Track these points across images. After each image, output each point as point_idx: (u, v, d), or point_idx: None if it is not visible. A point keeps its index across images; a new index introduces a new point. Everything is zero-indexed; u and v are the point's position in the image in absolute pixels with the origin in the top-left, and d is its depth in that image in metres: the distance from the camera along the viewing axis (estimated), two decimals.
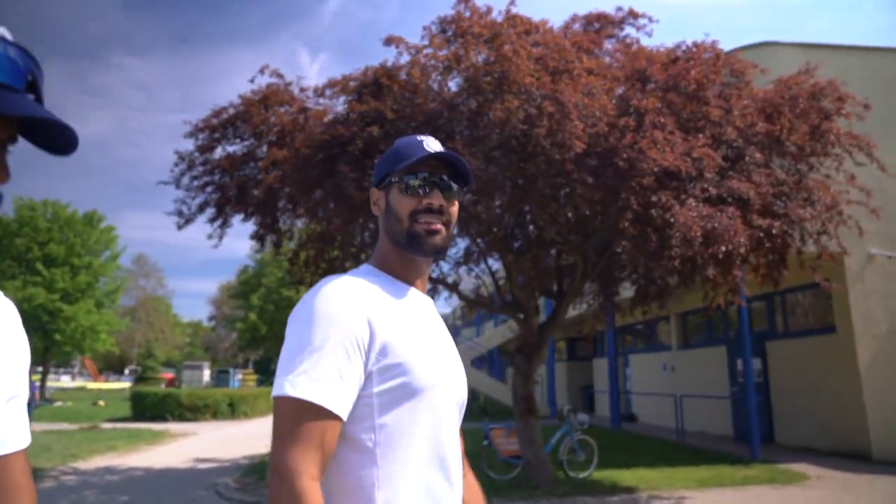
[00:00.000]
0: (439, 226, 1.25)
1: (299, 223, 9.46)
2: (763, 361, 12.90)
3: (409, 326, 1.18)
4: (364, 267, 1.29)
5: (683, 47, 7.61)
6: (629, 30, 8.94)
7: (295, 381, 1.05)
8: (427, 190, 1.25)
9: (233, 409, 20.15)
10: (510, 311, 9.18)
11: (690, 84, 6.77)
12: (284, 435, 1.04)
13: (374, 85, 6.95)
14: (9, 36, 0.70)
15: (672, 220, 5.91)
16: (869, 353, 10.57)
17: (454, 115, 6.43)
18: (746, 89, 7.52)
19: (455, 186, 1.28)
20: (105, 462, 10.99)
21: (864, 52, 11.96)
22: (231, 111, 8.52)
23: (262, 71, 8.49)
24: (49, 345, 26.30)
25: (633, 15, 8.87)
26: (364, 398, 1.11)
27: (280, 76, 8.67)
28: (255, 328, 34.79)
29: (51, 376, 50.56)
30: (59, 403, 26.60)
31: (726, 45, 8.83)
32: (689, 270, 6.79)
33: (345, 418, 1.08)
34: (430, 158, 1.26)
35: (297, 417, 1.04)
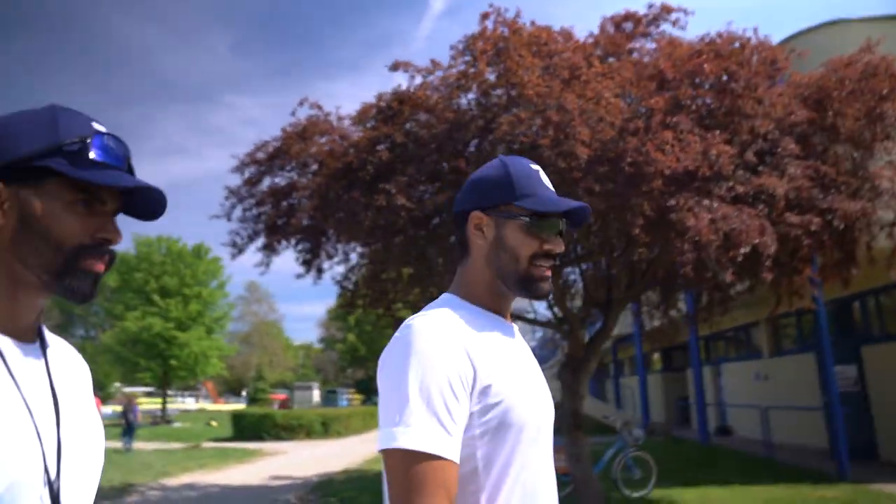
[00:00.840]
0: (550, 272, 1.22)
1: (353, 253, 9.73)
2: (859, 368, 11.74)
3: (505, 362, 1.14)
4: (448, 297, 1.23)
5: (708, 39, 7.23)
6: (666, 26, 8.66)
7: (405, 432, 1.00)
8: (552, 235, 1.20)
9: (326, 429, 20.96)
10: (556, 325, 8.99)
11: (708, 77, 6.43)
12: (408, 490, 0.98)
13: (387, 110, 7.14)
14: (105, 130, 0.91)
15: (686, 223, 5.61)
16: None
17: (460, 134, 6.48)
18: (781, 76, 7.01)
19: (566, 230, 1.25)
20: (191, 479, 11.80)
21: None
22: (273, 145, 9.03)
23: (301, 103, 8.95)
24: (167, 370, 28.59)
25: (665, 10, 8.56)
26: (465, 440, 1.07)
27: (319, 108, 9.09)
28: (355, 348, 36.02)
29: (178, 399, 54.94)
30: (178, 424, 28.83)
31: (791, 28, 8.26)
32: (711, 276, 6.37)
33: (457, 462, 1.03)
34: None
35: (416, 469, 0.98)
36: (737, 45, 7.04)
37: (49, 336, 0.97)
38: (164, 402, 30.87)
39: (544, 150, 6.07)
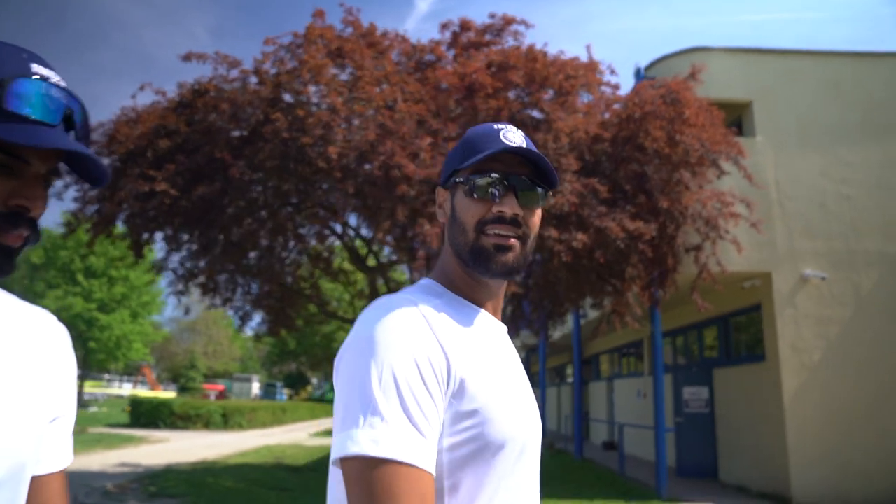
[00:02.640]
0: (512, 240, 0.99)
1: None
2: (710, 390, 11.95)
3: (485, 363, 0.94)
4: (425, 282, 1.06)
5: (502, 54, 7.32)
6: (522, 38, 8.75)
7: (370, 436, 0.80)
8: (500, 193, 0.99)
9: (225, 421, 20.73)
10: None
11: (485, 89, 6.50)
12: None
13: (181, 100, 7.11)
14: (54, 78, 0.75)
15: (423, 230, 5.66)
16: (796, 383, 9.57)
17: (233, 126, 6.47)
18: (574, 97, 7.12)
19: (538, 189, 1.01)
20: None
21: (810, 56, 11.01)
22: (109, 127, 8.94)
23: (142, 88, 8.86)
24: (85, 353, 28.09)
25: (507, 21, 8.66)
26: None
27: (163, 93, 9.02)
28: (284, 342, 35.78)
29: (114, 384, 54.06)
30: (94, 409, 28.34)
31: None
32: None
33: (433, 471, 0.83)
34: (506, 154, 0.99)
35: (385, 483, 0.79)
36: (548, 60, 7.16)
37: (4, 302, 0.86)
38: (81, 386, 30.28)
39: (308, 150, 6.10)
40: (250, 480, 10.26)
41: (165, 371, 60.95)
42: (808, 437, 9.32)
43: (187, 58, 6.86)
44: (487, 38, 8.58)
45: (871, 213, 10.16)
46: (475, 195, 0.99)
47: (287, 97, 6.59)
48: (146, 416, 20.06)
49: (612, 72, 8.80)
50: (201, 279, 9.32)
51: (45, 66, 0.76)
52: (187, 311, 12.38)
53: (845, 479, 9.10)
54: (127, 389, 49.68)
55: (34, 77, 0.73)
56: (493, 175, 0.98)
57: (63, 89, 0.76)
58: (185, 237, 7.60)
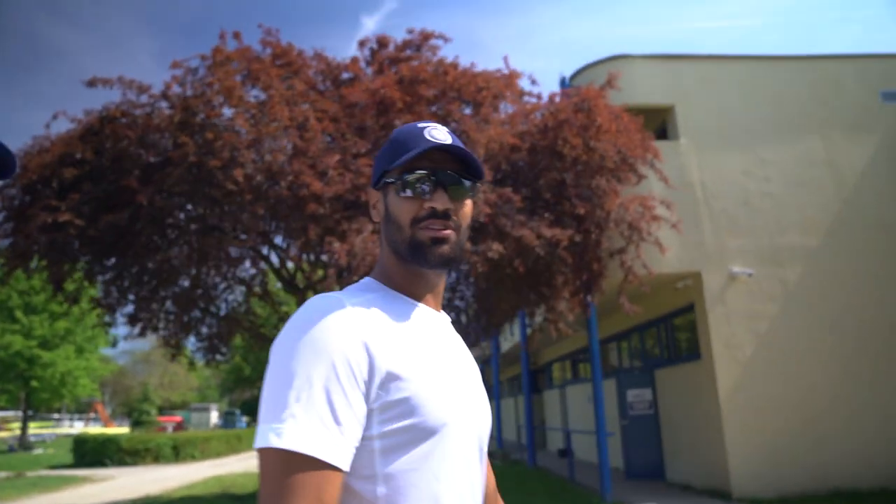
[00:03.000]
0: (447, 232, 1.03)
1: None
2: (653, 391, 12.11)
3: (418, 352, 0.98)
4: (365, 280, 1.10)
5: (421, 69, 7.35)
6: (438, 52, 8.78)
7: (281, 430, 0.85)
8: (430, 190, 1.03)
9: (177, 453, 20.10)
10: None
11: (395, 103, 6.50)
12: (272, 494, 0.84)
13: (90, 128, 6.91)
14: None
15: (332, 247, 5.59)
16: (731, 380, 9.76)
17: (144, 153, 6.31)
18: (487, 108, 7.17)
19: (466, 183, 1.06)
20: None
21: (728, 61, 11.39)
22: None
23: (55, 117, 8.59)
24: (27, 392, 26.95)
25: (424, 36, 8.69)
26: (363, 441, 0.91)
27: (80, 120, 8.76)
28: (240, 368, 35.06)
29: (64, 423, 51.97)
30: (39, 451, 27.13)
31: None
32: None
33: (346, 469, 0.88)
34: (433, 151, 1.03)
35: (286, 473, 0.84)
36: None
37: None
38: (24, 427, 29.02)
39: (217, 173, 5.98)
40: None
41: (120, 406, 58.97)
42: (744, 432, 9.50)
43: (92, 83, 6.66)
44: (408, 52, 8.62)
45: (791, 209, 10.50)
46: (406, 193, 1.03)
47: (201, 118, 6.47)
48: (91, 454, 19.29)
49: (534, 82, 8.93)
50: (129, 309, 9.04)
51: None
52: (115, 343, 11.92)
53: (781, 472, 9.30)
54: (78, 428, 47.80)
55: None
56: (421, 172, 1.03)
57: None
58: (100, 267, 7.35)
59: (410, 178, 1.03)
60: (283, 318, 9.60)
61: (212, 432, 22.94)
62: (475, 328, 9.67)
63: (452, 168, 1.05)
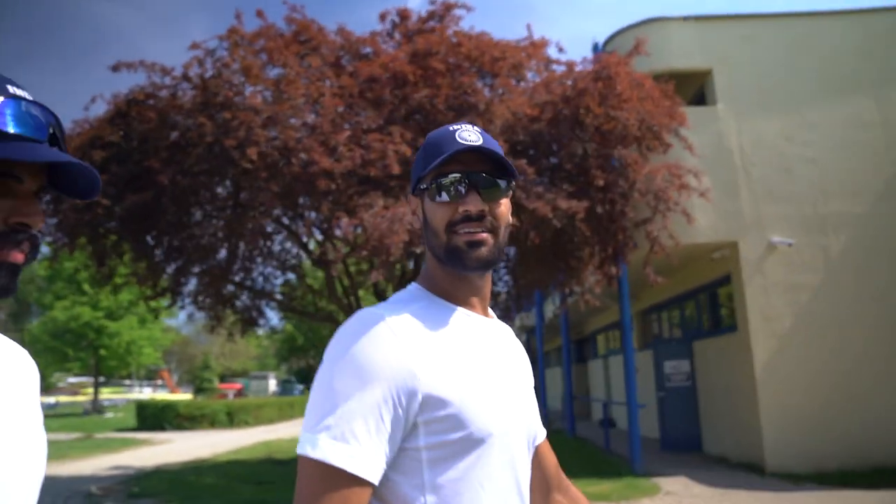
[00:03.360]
0: (483, 235, 1.04)
1: None
2: (691, 363, 11.90)
3: (462, 366, 1.00)
4: (412, 287, 1.12)
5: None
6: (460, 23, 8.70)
7: (316, 440, 0.92)
8: (463, 193, 1.04)
9: (231, 419, 21.05)
10: (325, 318, 9.13)
11: (408, 76, 6.49)
12: (304, 499, 0.92)
13: (117, 111, 7.18)
14: (28, 96, 0.78)
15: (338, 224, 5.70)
16: (767, 353, 9.48)
17: (161, 134, 6.53)
18: (504, 79, 7.06)
19: (501, 183, 1.06)
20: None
21: (772, 20, 10.80)
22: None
23: (93, 100, 8.96)
24: (96, 360, 28.63)
25: (446, 7, 8.60)
26: (410, 451, 0.97)
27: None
28: (293, 338, 36.15)
29: (135, 389, 54.95)
30: (110, 415, 28.92)
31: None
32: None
33: (375, 482, 0.93)
34: (464, 153, 1.04)
35: (317, 481, 0.91)
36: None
37: None
38: (96, 393, 30.94)
39: (233, 152, 6.14)
40: (232, 476, 10.45)
41: (186, 373, 61.87)
42: (781, 406, 9.25)
43: (116, 68, 6.90)
44: (432, 24, 8.54)
45: (836, 175, 9.99)
46: (441, 198, 1.04)
47: (221, 98, 6.62)
48: (152, 418, 20.44)
49: (561, 49, 8.73)
50: (163, 285, 9.46)
51: (18, 86, 0.78)
52: (157, 316, 12.48)
53: (819, 448, 9.03)
54: (147, 394, 50.58)
55: (14, 97, 0.75)
56: (453, 176, 1.03)
57: (41, 106, 0.78)
58: (130, 245, 7.71)
59: (443, 182, 1.03)
60: (311, 291, 9.85)
61: (265, 399, 23.91)
62: (508, 300, 9.69)
63: (485, 169, 1.04)
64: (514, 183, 1.09)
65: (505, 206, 1.07)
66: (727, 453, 10.41)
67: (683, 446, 11.55)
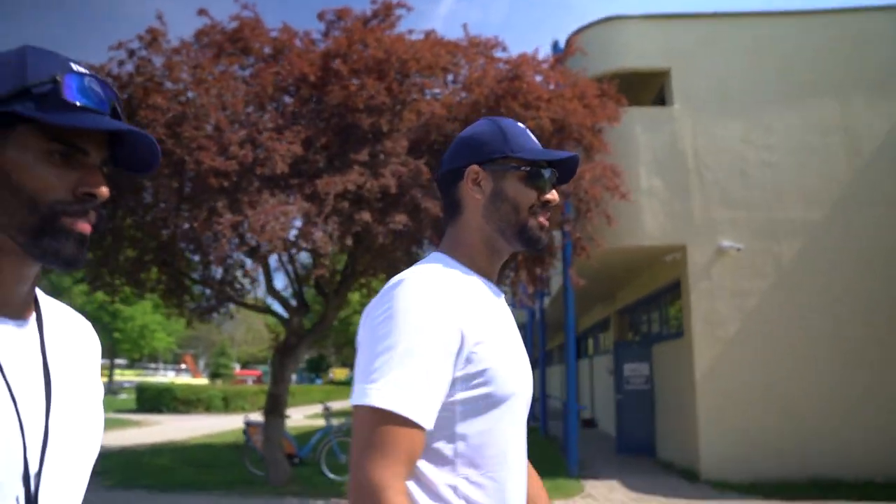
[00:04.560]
0: (547, 222, 1.22)
1: None
2: (650, 367, 11.77)
3: (494, 329, 1.12)
4: (439, 256, 1.20)
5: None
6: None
7: (379, 389, 0.98)
8: (551, 186, 1.22)
9: (226, 404, 21.60)
10: (271, 312, 9.32)
11: (307, 76, 6.61)
12: (368, 447, 0.97)
13: None
14: (85, 70, 0.80)
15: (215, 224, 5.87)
16: (709, 359, 9.34)
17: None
18: (418, 79, 7.11)
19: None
20: None
21: (735, 18, 10.52)
22: None
23: None
24: (111, 342, 29.65)
25: (387, 7, 8.67)
26: (446, 404, 1.05)
27: None
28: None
29: (159, 372, 56.64)
30: (124, 396, 29.96)
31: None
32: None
33: (430, 428, 1.01)
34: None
35: (381, 428, 0.97)
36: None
37: (50, 307, 0.88)
38: (111, 375, 32.05)
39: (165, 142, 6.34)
40: (186, 459, 10.79)
41: (211, 358, 63.45)
42: (718, 413, 9.11)
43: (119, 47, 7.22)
44: (375, 23, 8.63)
45: (793, 180, 9.74)
46: (535, 184, 1.18)
47: (135, 98, 6.85)
48: (151, 401, 21.13)
49: (504, 48, 8.74)
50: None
51: (78, 63, 0.81)
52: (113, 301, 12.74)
53: (756, 457, 8.87)
54: (169, 377, 52.22)
55: (76, 73, 0.78)
56: (552, 171, 1.21)
57: (102, 82, 0.81)
58: None
59: (546, 173, 1.19)
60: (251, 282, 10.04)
61: (263, 386, 24.37)
62: None
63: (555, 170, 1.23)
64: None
65: None
66: (674, 459, 10.30)
67: (637, 450, 11.45)
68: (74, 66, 0.79)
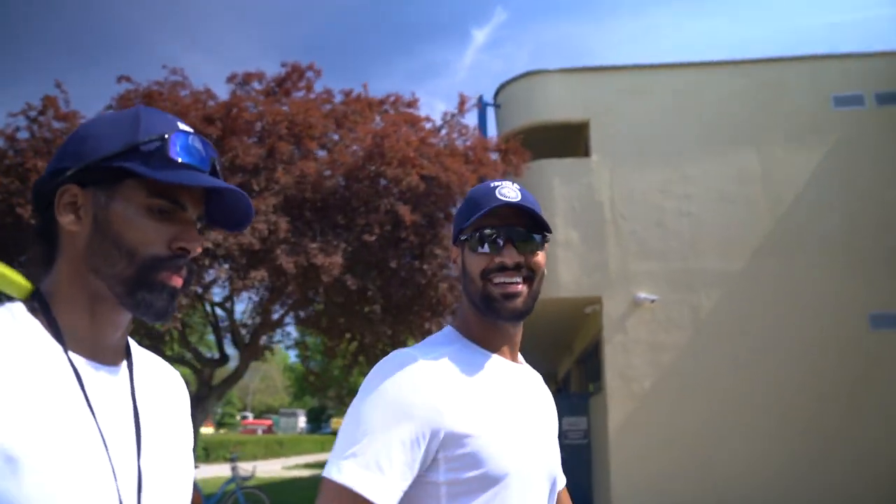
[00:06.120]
0: (519, 287, 1.11)
1: None
2: (588, 420, 11.47)
3: (485, 407, 1.06)
4: (447, 331, 1.19)
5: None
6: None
7: (342, 465, 0.99)
8: (500, 245, 1.11)
9: (207, 454, 21.61)
10: (187, 363, 9.46)
11: None
12: None
13: None
14: (190, 129, 0.84)
15: None
16: (623, 414, 9.10)
17: None
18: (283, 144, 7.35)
19: (535, 237, 1.14)
20: None
21: (655, 70, 10.62)
22: None
23: None
24: None
25: (296, 71, 9.03)
26: (430, 485, 1.03)
27: None
28: (304, 376, 36.75)
29: None
30: None
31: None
32: None
33: None
34: (502, 208, 1.12)
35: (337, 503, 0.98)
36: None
37: (140, 354, 0.90)
38: None
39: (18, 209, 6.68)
40: None
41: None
42: (630, 470, 8.82)
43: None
44: (288, 85, 8.98)
45: (711, 230, 9.62)
46: (481, 249, 1.12)
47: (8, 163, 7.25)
48: None
49: (409, 105, 8.99)
50: None
51: (185, 123, 0.85)
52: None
53: None
54: None
55: (182, 131, 0.81)
56: (491, 230, 1.12)
57: (204, 141, 0.84)
58: None
59: (483, 234, 1.12)
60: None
61: (246, 436, 24.37)
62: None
63: (521, 224, 1.12)
64: (548, 237, 1.17)
65: (541, 257, 1.15)
66: None
67: None
68: (181, 125, 0.83)
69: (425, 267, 7.45)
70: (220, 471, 18.80)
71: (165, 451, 0.84)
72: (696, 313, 9.36)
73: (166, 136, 0.79)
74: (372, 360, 10.16)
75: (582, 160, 10.30)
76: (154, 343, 9.50)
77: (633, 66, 10.69)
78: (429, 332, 8.25)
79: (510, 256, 1.10)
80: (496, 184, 1.15)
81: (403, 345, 9.32)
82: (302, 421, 49.04)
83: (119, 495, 0.74)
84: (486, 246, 1.11)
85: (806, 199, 9.56)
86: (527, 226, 1.12)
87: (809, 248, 9.28)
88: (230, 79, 9.00)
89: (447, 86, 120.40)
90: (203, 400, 9.08)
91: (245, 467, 9.16)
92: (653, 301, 9.34)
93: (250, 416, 52.49)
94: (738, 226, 9.58)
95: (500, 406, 1.07)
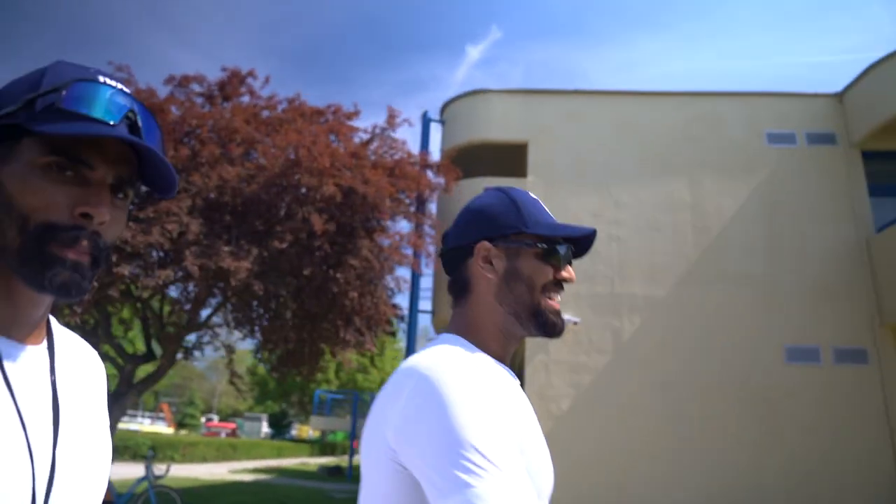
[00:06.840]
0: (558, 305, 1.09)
1: None
2: None
3: (525, 419, 0.98)
4: (454, 338, 1.04)
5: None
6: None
7: (480, 494, 0.78)
8: (570, 263, 1.09)
9: (155, 453, 21.39)
10: (110, 359, 9.45)
11: None
12: None
13: None
14: (118, 86, 0.73)
15: None
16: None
17: None
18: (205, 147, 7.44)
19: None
20: None
21: (596, 96, 10.84)
22: None
23: None
24: None
25: (237, 77, 9.13)
26: None
27: None
28: (265, 381, 36.53)
29: (137, 420, 56.12)
30: None
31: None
32: None
33: None
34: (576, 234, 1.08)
35: None
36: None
37: (61, 334, 0.82)
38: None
39: None
40: None
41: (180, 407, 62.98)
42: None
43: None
44: (228, 90, 9.07)
45: (638, 256, 9.79)
46: (551, 261, 1.05)
47: None
48: None
49: (349, 117, 9.12)
50: None
51: (112, 79, 0.74)
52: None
53: None
54: (145, 425, 51.73)
55: (94, 81, 0.71)
56: (571, 248, 1.09)
57: (128, 95, 0.74)
58: None
59: (560, 250, 1.05)
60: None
61: (198, 437, 24.18)
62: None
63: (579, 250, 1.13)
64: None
65: None
66: None
67: None
68: (101, 78, 0.73)
69: (339, 276, 7.53)
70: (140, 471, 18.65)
71: (83, 436, 0.76)
72: (618, 337, 9.50)
73: (65, 87, 0.69)
74: (299, 367, 10.19)
75: (517, 180, 10.44)
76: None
77: (574, 90, 10.89)
78: (343, 341, 8.32)
79: (571, 274, 1.07)
80: (535, 197, 1.12)
81: (320, 353, 9.44)
82: (265, 425, 48.61)
83: (33, 482, 0.67)
84: (562, 261, 1.06)
85: (731, 232, 9.77)
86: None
87: (731, 280, 9.47)
88: (167, 80, 9.10)
89: (437, 100, 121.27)
90: (121, 396, 9.05)
91: (159, 466, 9.11)
92: (575, 323, 9.46)
93: (215, 418, 51.94)
94: (665, 253, 9.77)
95: (528, 423, 0.98)
